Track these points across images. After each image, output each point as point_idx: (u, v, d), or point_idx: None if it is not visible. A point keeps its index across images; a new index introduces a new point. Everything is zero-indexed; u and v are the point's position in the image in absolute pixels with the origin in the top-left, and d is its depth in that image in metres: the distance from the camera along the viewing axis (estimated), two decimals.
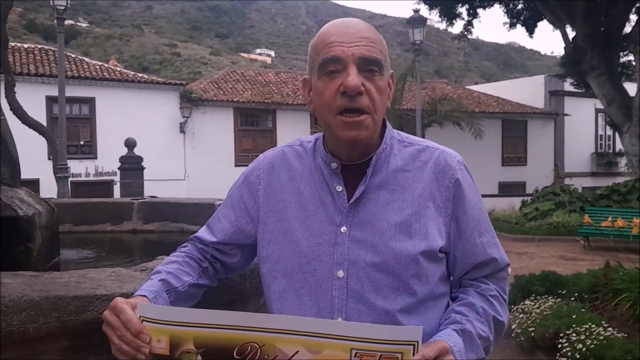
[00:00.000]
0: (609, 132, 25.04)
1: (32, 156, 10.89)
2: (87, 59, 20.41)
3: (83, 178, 17.48)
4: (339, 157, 1.28)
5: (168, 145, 18.36)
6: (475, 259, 1.28)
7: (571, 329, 4.39)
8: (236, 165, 19.14)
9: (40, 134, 11.05)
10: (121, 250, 2.86)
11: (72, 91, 15.48)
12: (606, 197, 14.36)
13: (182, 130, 18.88)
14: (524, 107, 24.90)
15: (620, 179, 18.25)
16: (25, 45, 19.78)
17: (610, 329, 4.33)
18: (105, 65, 20.34)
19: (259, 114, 20.64)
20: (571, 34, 17.14)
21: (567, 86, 23.24)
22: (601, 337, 4.16)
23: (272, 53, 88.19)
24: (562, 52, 18.43)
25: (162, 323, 1.07)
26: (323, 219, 1.25)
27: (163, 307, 1.15)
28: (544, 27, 20.51)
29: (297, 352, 1.03)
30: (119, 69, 20.77)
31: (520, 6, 19.97)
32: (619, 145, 22.58)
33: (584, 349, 4.10)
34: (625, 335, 4.35)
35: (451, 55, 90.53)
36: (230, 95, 20.12)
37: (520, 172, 24.45)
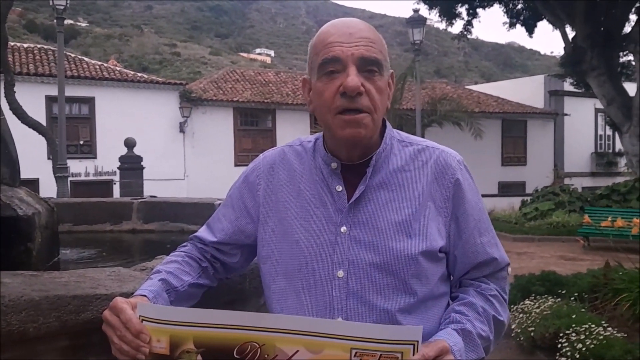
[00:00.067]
0: (609, 132, 25.05)
1: (32, 156, 10.89)
2: (86, 59, 20.40)
3: (83, 178, 17.48)
4: (339, 157, 1.28)
5: (168, 145, 18.36)
6: (476, 258, 1.28)
7: (571, 329, 4.39)
8: (236, 165, 19.14)
9: (39, 133, 11.05)
10: (121, 249, 2.86)
11: (71, 91, 15.47)
12: (606, 197, 14.36)
13: (182, 130, 18.88)
14: (523, 107, 24.90)
15: (620, 179, 18.26)
16: (25, 45, 19.77)
17: (610, 328, 4.33)
18: (105, 65, 20.32)
19: (258, 113, 20.64)
20: (571, 34, 17.16)
21: (567, 86, 23.24)
22: (601, 337, 4.16)
23: (272, 53, 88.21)
24: (562, 52, 18.45)
25: (162, 323, 1.07)
26: (323, 219, 1.25)
27: (163, 306, 1.15)
28: (543, 27, 20.54)
29: (297, 351, 1.03)
30: (118, 68, 20.76)
31: (520, 6, 19.97)
32: (618, 145, 22.58)
33: (583, 349, 4.10)
34: (625, 335, 4.35)
35: (451, 55, 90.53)
36: (230, 95, 20.12)
37: (520, 172, 24.45)
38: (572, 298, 5.21)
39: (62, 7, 11.22)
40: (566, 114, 25.13)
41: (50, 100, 16.16)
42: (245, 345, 1.04)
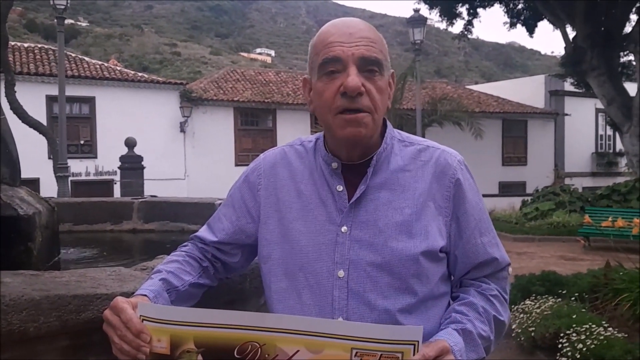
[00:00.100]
0: (609, 132, 25.04)
1: (32, 155, 10.90)
2: (87, 59, 20.40)
3: (83, 177, 17.48)
4: (339, 157, 1.27)
5: (168, 144, 18.36)
6: (476, 258, 1.28)
7: (571, 329, 4.39)
8: (236, 165, 19.14)
9: (40, 133, 11.05)
10: (121, 249, 2.86)
11: (72, 90, 15.47)
12: (606, 197, 14.36)
13: (182, 130, 18.88)
14: (524, 107, 24.90)
15: (620, 179, 18.25)
16: (26, 45, 19.78)
17: (610, 329, 4.33)
18: (106, 64, 20.32)
19: (259, 113, 20.63)
20: (571, 33, 17.15)
21: (568, 86, 23.24)
22: (601, 337, 4.16)
23: (272, 53, 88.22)
24: (562, 52, 18.44)
25: (162, 322, 1.07)
26: (324, 219, 1.25)
27: (163, 306, 1.15)
28: (544, 26, 20.52)
29: (298, 351, 1.03)
30: (119, 68, 20.76)
31: (520, 6, 19.96)
32: (619, 145, 22.59)
33: (584, 349, 4.10)
34: (626, 335, 4.34)
35: (451, 55, 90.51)
36: (230, 95, 20.12)
37: (521, 172, 24.45)
38: (573, 298, 5.21)
39: (62, 7, 11.22)
40: (567, 114, 25.12)
41: (50, 100, 16.17)
42: (246, 345, 1.04)
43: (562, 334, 4.43)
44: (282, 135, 19.91)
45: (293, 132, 18.49)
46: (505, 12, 20.16)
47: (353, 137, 1.20)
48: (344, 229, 1.23)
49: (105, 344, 1.10)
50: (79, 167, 17.06)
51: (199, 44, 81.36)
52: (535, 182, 20.56)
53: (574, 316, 4.59)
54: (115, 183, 16.09)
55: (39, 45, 20.19)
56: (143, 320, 1.07)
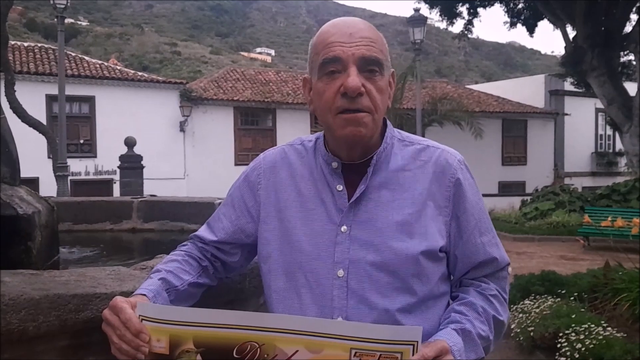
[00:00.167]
0: (609, 131, 25.04)
1: (32, 155, 10.89)
2: (87, 58, 20.39)
3: (83, 177, 17.48)
4: (339, 157, 1.27)
5: (168, 144, 18.35)
6: (476, 258, 1.28)
7: (570, 329, 4.39)
8: (236, 165, 19.13)
9: (40, 132, 11.06)
10: (121, 249, 2.86)
11: (72, 90, 15.46)
12: (606, 196, 14.35)
13: (182, 129, 18.88)
14: (524, 106, 24.89)
15: (620, 179, 18.24)
16: (26, 44, 19.77)
17: (609, 328, 4.33)
18: (105, 64, 20.32)
19: (259, 113, 20.63)
20: (571, 33, 17.15)
21: (568, 86, 23.23)
22: (600, 337, 4.16)
23: (273, 52, 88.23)
24: (563, 52, 18.43)
25: (161, 322, 1.07)
26: (323, 219, 1.25)
27: (163, 306, 1.15)
28: (544, 26, 20.48)
29: (297, 351, 1.03)
30: (119, 67, 20.76)
31: (520, 5, 19.97)
32: (619, 145, 22.58)
33: (583, 349, 4.10)
34: (625, 335, 4.34)
35: (451, 55, 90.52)
36: (230, 94, 20.12)
37: (520, 171, 24.45)
38: (572, 298, 5.21)
39: (62, 6, 11.22)
40: (566, 114, 25.12)
41: (50, 99, 16.17)
42: (245, 345, 1.04)
43: (561, 334, 4.43)
44: (282, 135, 19.91)
45: (293, 131, 18.48)
46: (505, 12, 20.17)
47: (353, 136, 1.20)
48: (343, 228, 1.23)
49: (105, 344, 1.10)
50: (78, 166, 17.05)
51: (199, 44, 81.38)
52: (535, 181, 20.56)
53: (573, 316, 4.59)
54: (115, 182, 16.09)
55: (39, 45, 20.18)
56: (142, 320, 1.07)
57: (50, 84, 15.97)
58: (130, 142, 11.96)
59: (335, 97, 1.19)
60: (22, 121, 9.94)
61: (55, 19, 11.90)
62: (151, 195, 3.70)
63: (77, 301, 1.22)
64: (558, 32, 17.72)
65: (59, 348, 1.25)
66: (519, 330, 4.94)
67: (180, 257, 1.33)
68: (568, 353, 4.19)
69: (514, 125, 24.78)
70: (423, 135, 13.19)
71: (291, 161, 1.35)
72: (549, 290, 5.61)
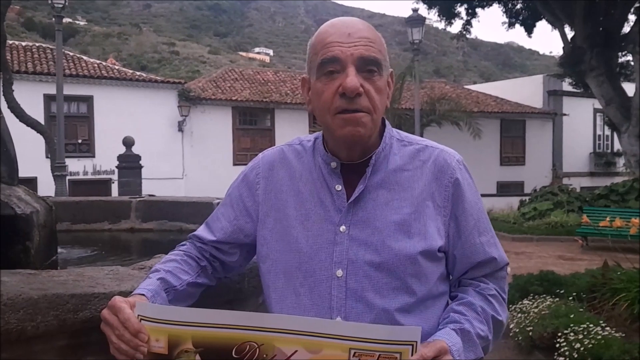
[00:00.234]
0: (608, 132, 25.09)
1: (30, 154, 10.87)
2: (85, 57, 20.36)
3: (81, 176, 17.46)
4: (338, 157, 1.27)
5: (166, 144, 18.34)
6: (475, 258, 1.28)
7: (569, 329, 4.39)
8: (234, 164, 19.13)
9: (38, 132, 11.06)
10: (119, 248, 2.86)
11: (70, 89, 15.44)
12: (604, 197, 14.37)
13: (181, 129, 18.86)
14: (522, 106, 24.91)
15: (618, 179, 18.26)
16: (23, 44, 19.74)
17: (608, 328, 4.33)
18: (104, 63, 20.30)
19: (257, 112, 20.62)
20: (570, 33, 17.16)
21: (566, 86, 23.24)
22: (599, 337, 4.16)
23: (271, 52, 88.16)
24: (561, 52, 18.43)
25: (160, 322, 1.06)
26: (322, 218, 1.25)
27: (161, 306, 1.15)
28: (542, 26, 20.62)
29: (296, 351, 1.03)
30: (117, 67, 20.74)
31: (519, 6, 19.98)
32: (617, 145, 22.62)
33: (581, 349, 4.10)
34: (623, 335, 4.34)
35: (450, 55, 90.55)
36: (228, 94, 20.11)
37: (519, 171, 24.47)
38: (571, 298, 5.21)
39: (60, 6, 11.21)
40: (565, 114, 25.14)
41: (48, 98, 16.14)
42: (244, 345, 1.04)
43: (560, 334, 4.43)
44: (280, 135, 19.90)
45: (291, 131, 18.47)
46: (503, 12, 20.18)
47: (352, 136, 1.20)
48: (342, 228, 1.23)
49: (103, 344, 1.10)
50: (76, 166, 17.03)
51: (197, 43, 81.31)
52: (534, 182, 20.57)
53: (572, 316, 4.59)
54: (113, 182, 16.05)
55: (37, 44, 20.16)
56: (141, 319, 1.07)
57: (48, 84, 15.95)
58: (128, 142, 11.95)
59: (334, 97, 1.19)
60: (20, 121, 9.94)
61: (53, 19, 11.89)
62: (149, 195, 3.69)
63: (76, 301, 1.22)
64: (556, 33, 17.74)
65: (57, 348, 1.25)
66: (517, 330, 4.94)
67: (179, 257, 1.33)
68: (567, 353, 4.20)
69: (513, 125, 24.80)
70: (421, 136, 13.17)
71: (290, 161, 1.35)
72: (548, 290, 5.61)
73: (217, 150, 19.22)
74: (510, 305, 5.25)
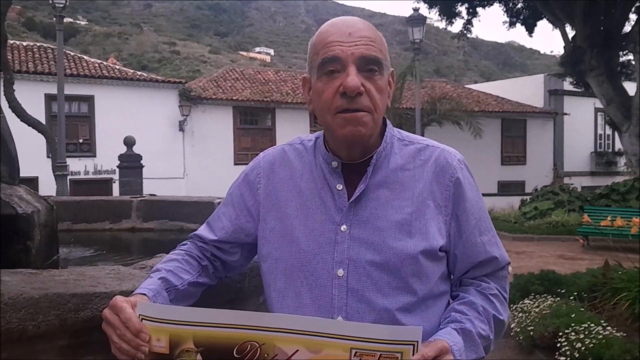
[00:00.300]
0: (608, 131, 25.06)
1: (31, 154, 10.87)
2: (86, 57, 20.37)
3: (82, 176, 17.46)
4: (339, 156, 1.27)
5: (167, 143, 18.34)
6: (476, 257, 1.28)
7: (570, 328, 4.39)
8: (235, 164, 19.13)
9: (39, 132, 11.06)
10: (120, 248, 2.86)
11: (71, 89, 15.45)
12: (605, 196, 14.36)
13: (181, 129, 18.87)
14: (523, 106, 24.90)
15: (619, 179, 18.25)
16: (24, 43, 19.75)
17: (609, 328, 4.33)
18: (104, 63, 20.30)
19: (258, 112, 20.63)
20: (571, 33, 17.15)
21: (567, 85, 23.22)
22: (600, 337, 4.16)
23: (272, 51, 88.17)
24: (562, 52, 18.44)
25: (161, 322, 1.07)
26: (323, 218, 1.25)
27: (163, 305, 1.15)
28: (543, 26, 20.52)
29: (297, 351, 1.03)
30: (118, 67, 20.74)
31: (519, 5, 19.97)
32: (618, 145, 22.58)
33: (582, 348, 4.10)
34: (624, 334, 4.34)
35: (451, 54, 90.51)
36: (229, 94, 20.11)
37: (520, 171, 24.45)
38: (572, 297, 5.21)
39: (61, 5, 11.21)
40: (566, 114, 25.12)
41: (49, 98, 16.15)
42: (245, 345, 1.04)
43: (560, 333, 4.43)
44: (281, 134, 19.90)
45: (292, 131, 18.47)
46: (504, 12, 20.17)
47: (352, 136, 1.20)
48: (343, 227, 1.23)
49: (104, 343, 1.10)
50: (77, 165, 17.04)
51: (198, 43, 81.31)
52: (534, 181, 20.57)
53: (573, 315, 4.59)
54: (114, 182, 16.06)
55: (38, 44, 20.17)
56: (142, 319, 1.07)
57: (49, 83, 15.95)
58: (129, 142, 11.95)
59: (335, 97, 1.19)
60: (21, 120, 9.94)
61: (54, 18, 11.90)
62: (150, 195, 3.69)
63: (77, 300, 1.22)
64: (557, 32, 17.73)
65: (58, 347, 1.25)
66: (518, 330, 4.94)
67: (180, 256, 1.33)
68: (568, 352, 4.20)
69: (513, 125, 24.79)
70: (422, 135, 13.19)
71: (291, 160, 1.35)
72: (549, 289, 5.61)
73: (217, 150, 19.22)
74: (511, 305, 5.25)
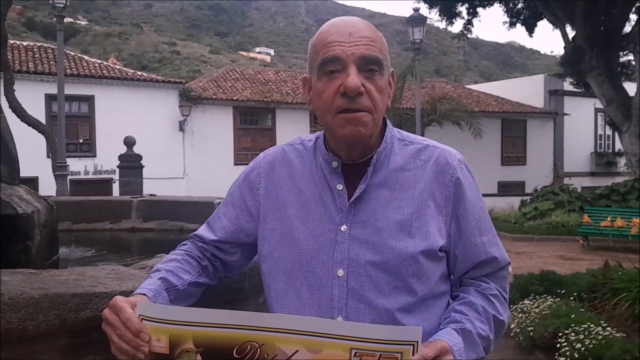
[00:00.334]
0: (609, 131, 25.05)
1: (31, 154, 10.86)
2: (86, 57, 20.37)
3: (82, 176, 17.46)
4: (339, 157, 1.27)
5: (167, 143, 18.34)
6: (476, 257, 1.27)
7: (570, 329, 4.39)
8: (235, 164, 19.13)
9: (39, 132, 11.05)
10: (120, 248, 2.86)
11: (71, 89, 15.45)
12: (605, 196, 14.35)
13: (182, 129, 18.87)
14: (523, 106, 24.90)
15: (619, 179, 18.24)
16: (25, 43, 19.75)
17: (609, 328, 4.33)
18: (105, 63, 20.31)
19: (258, 112, 20.63)
20: (571, 33, 17.16)
21: (567, 86, 23.22)
22: (600, 337, 4.16)
23: (272, 52, 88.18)
24: (562, 52, 18.44)
25: (161, 322, 1.07)
26: (323, 218, 1.25)
27: (163, 306, 1.15)
28: (543, 26, 20.52)
29: (297, 351, 1.03)
30: (118, 67, 20.74)
31: (520, 5, 19.97)
32: (618, 145, 22.59)
33: (582, 349, 4.10)
34: (624, 335, 4.34)
35: (451, 55, 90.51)
36: (229, 94, 20.11)
37: (520, 171, 24.46)
38: (571, 298, 5.21)
39: (61, 5, 11.21)
40: (566, 114, 25.12)
41: (49, 98, 16.15)
42: (245, 345, 1.04)
43: (560, 334, 4.43)
44: (281, 134, 19.91)
45: (292, 131, 18.47)
46: (504, 12, 20.18)
47: (352, 136, 1.20)
48: (343, 227, 1.23)
49: (104, 343, 1.10)
50: (77, 165, 17.04)
51: (198, 43, 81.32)
52: (535, 181, 20.56)
53: (573, 316, 4.59)
54: (114, 182, 16.06)
55: (38, 44, 20.17)
56: (142, 319, 1.07)
57: (49, 83, 15.95)
58: (129, 142, 11.95)
59: (335, 97, 1.19)
60: (22, 120, 9.93)
61: (54, 18, 11.89)
62: (150, 195, 3.69)
63: (77, 300, 1.22)
64: (557, 32, 17.73)
65: (58, 347, 1.25)
66: (518, 330, 4.94)
67: (180, 256, 1.33)
68: (567, 353, 4.19)
69: (514, 125, 24.79)
70: (422, 135, 13.19)
71: (291, 160, 1.35)
72: (549, 290, 5.61)
73: (218, 150, 19.22)
74: (511, 305, 5.25)
